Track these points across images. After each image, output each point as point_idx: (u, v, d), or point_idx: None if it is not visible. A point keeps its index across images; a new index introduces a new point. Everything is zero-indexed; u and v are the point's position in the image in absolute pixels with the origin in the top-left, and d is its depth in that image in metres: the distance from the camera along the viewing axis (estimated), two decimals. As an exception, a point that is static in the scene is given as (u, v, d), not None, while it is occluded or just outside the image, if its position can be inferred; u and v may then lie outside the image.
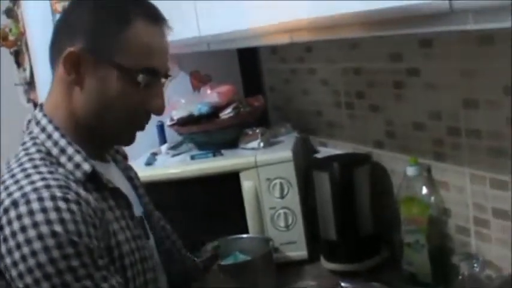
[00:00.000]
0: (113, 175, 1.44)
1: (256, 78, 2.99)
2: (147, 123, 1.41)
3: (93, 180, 1.31)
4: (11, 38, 3.28)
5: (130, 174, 1.57)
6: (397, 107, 2.07)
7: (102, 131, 1.37)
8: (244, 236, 2.25)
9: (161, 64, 1.37)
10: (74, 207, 1.19)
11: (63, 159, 1.30)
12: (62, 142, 1.32)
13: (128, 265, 1.30)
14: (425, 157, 1.95)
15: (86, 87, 1.32)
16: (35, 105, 3.24)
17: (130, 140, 1.42)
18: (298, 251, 2.26)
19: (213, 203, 2.29)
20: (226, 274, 2.06)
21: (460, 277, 1.76)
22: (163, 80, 1.39)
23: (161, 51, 1.38)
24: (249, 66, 2.98)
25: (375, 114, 2.19)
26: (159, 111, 1.39)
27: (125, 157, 1.59)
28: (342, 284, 1.68)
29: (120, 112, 1.34)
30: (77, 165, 1.30)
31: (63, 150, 1.31)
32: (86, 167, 1.30)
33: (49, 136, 1.32)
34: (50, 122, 1.34)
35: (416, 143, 2.01)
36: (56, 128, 1.33)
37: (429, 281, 1.90)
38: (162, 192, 2.28)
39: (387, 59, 2.05)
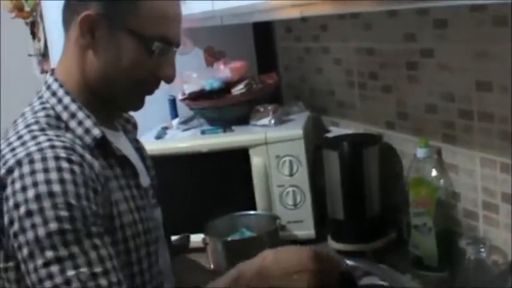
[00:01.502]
0: (122, 144, 1.43)
1: (271, 56, 2.97)
2: (156, 89, 1.40)
3: (101, 147, 1.31)
4: (26, 8, 3.27)
5: (139, 146, 1.56)
6: (409, 88, 2.06)
7: (113, 96, 1.37)
8: (252, 212, 2.25)
9: (175, 33, 1.37)
10: (76, 168, 1.19)
11: (73, 123, 1.30)
12: (73, 107, 1.32)
13: (130, 236, 1.29)
14: (436, 139, 1.94)
15: (100, 51, 1.32)
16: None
17: (139, 106, 1.42)
18: (306, 230, 2.25)
19: (222, 178, 2.29)
20: (232, 250, 2.06)
21: (466, 261, 1.75)
22: (175, 48, 1.38)
23: (176, 20, 1.38)
24: (264, 44, 2.96)
25: (387, 95, 2.17)
26: (170, 79, 1.39)
27: (135, 126, 1.58)
28: (348, 262, 1.67)
29: (132, 78, 1.34)
30: (87, 130, 1.30)
31: (73, 115, 1.31)
32: (96, 132, 1.30)
33: (59, 100, 1.32)
34: (61, 86, 1.34)
35: (428, 125, 1.99)
36: (67, 93, 1.33)
37: (435, 264, 1.89)
38: (171, 166, 2.29)
39: (401, 39, 2.03)
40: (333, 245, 2.16)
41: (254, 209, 2.26)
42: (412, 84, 2.03)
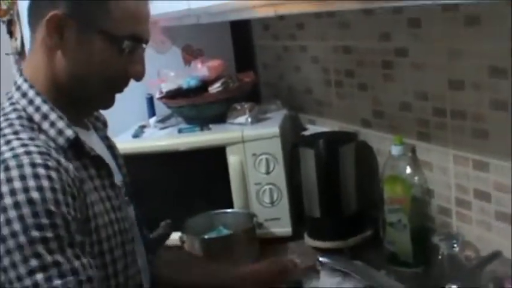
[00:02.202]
0: (94, 143, 1.43)
1: (249, 54, 2.99)
2: (126, 86, 1.40)
3: (74, 148, 1.30)
4: (3, 7, 3.27)
5: (110, 143, 1.56)
6: (385, 87, 2.08)
7: (83, 95, 1.35)
8: (229, 210, 2.26)
9: (144, 30, 1.37)
10: (53, 174, 1.17)
11: (45, 125, 1.28)
12: (45, 108, 1.30)
13: (105, 238, 1.28)
14: (410, 137, 1.96)
15: (68, 51, 1.31)
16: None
17: (109, 104, 1.41)
18: (283, 228, 2.26)
19: (199, 177, 2.29)
20: (209, 247, 2.07)
21: (439, 257, 1.78)
22: (144, 46, 1.39)
23: (145, 18, 1.37)
24: (242, 42, 2.97)
25: (363, 93, 2.19)
26: (140, 76, 1.38)
27: (105, 124, 1.57)
28: (320, 259, 1.68)
29: (102, 77, 1.33)
30: (60, 132, 1.28)
31: (45, 116, 1.29)
32: (69, 133, 1.29)
33: (30, 102, 1.30)
34: (32, 87, 1.32)
35: (403, 123, 2.01)
36: (38, 94, 1.31)
37: (410, 260, 1.91)
38: (149, 164, 2.30)
39: (377, 38, 2.05)
40: (309, 242, 2.17)
41: (231, 207, 2.27)
42: (387, 83, 2.05)
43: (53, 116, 1.30)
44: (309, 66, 2.53)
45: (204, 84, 2.46)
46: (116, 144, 1.62)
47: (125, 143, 2.32)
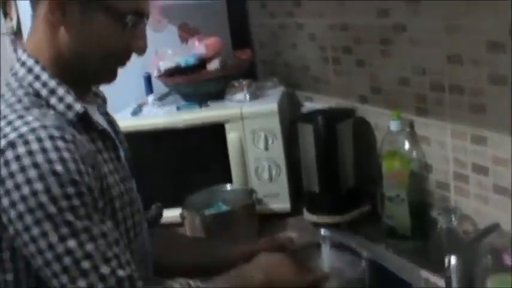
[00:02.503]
0: (98, 117, 1.44)
1: (245, 32, 2.99)
2: (128, 61, 1.41)
3: (82, 122, 1.31)
4: (-3, -14, 3.25)
5: (110, 119, 1.57)
6: (382, 63, 2.09)
7: (86, 70, 1.36)
8: (228, 186, 2.28)
9: (146, 5, 1.38)
10: (72, 146, 1.19)
11: (53, 100, 1.29)
12: (52, 83, 1.31)
13: (118, 208, 1.31)
14: (408, 112, 1.97)
15: (71, 28, 1.31)
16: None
17: (112, 78, 1.41)
18: (281, 203, 2.29)
19: (198, 154, 2.31)
20: (209, 223, 2.09)
21: (437, 230, 1.80)
22: (146, 21, 1.39)
23: None
24: (238, 20, 2.98)
25: (361, 70, 2.21)
26: (142, 50, 1.39)
27: (104, 100, 1.58)
28: (322, 233, 1.71)
29: (105, 52, 1.34)
30: (69, 106, 1.29)
31: (53, 91, 1.30)
32: (78, 107, 1.30)
33: (37, 77, 1.31)
34: (37, 62, 1.32)
35: (400, 98, 2.02)
36: (44, 69, 1.32)
37: (408, 234, 1.93)
38: (148, 142, 2.31)
39: (374, 14, 2.06)
40: (308, 217, 2.20)
41: (230, 183, 2.29)
42: (385, 59, 2.07)
43: (60, 91, 1.31)
44: (305, 43, 2.54)
45: (202, 62, 2.47)
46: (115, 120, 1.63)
47: (124, 121, 2.32)
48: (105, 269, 1.17)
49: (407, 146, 1.94)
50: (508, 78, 1.59)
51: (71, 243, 1.16)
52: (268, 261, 1.48)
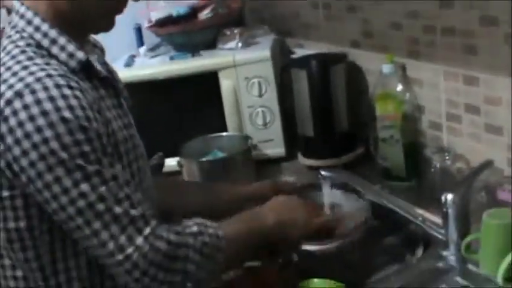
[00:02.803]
0: (98, 66, 1.44)
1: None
2: (124, 6, 1.40)
3: (85, 70, 1.32)
4: None
5: (109, 68, 1.57)
6: (374, 7, 2.11)
7: (84, 19, 1.36)
8: (223, 134, 2.31)
9: None
10: (78, 93, 1.21)
11: (55, 49, 1.30)
12: (52, 33, 1.31)
13: (123, 152, 1.33)
14: (400, 55, 2.00)
15: None
16: (9, 11, 3.20)
17: (110, 26, 1.40)
18: (276, 148, 2.33)
19: (192, 102, 2.33)
20: (207, 170, 2.13)
21: (432, 170, 1.85)
22: None
23: None
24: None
25: (352, 15, 2.22)
26: None
27: (102, 50, 1.59)
28: (322, 173, 1.75)
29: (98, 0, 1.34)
30: (71, 55, 1.30)
31: (54, 41, 1.30)
32: (80, 55, 1.31)
33: (37, 28, 1.31)
34: (36, 14, 1.32)
35: (392, 42, 2.05)
36: (44, 20, 1.32)
37: (403, 174, 1.98)
38: (143, 92, 2.31)
39: (365, -42, 2.08)
40: (303, 161, 2.24)
41: (225, 130, 2.32)
42: (376, 3, 2.09)
43: (62, 40, 1.31)
44: (295, -11, 2.55)
45: (194, 11, 2.49)
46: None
47: (119, 72, 2.33)
48: (118, 210, 1.21)
49: (399, 88, 1.98)
50: (498, 19, 1.62)
51: (84, 186, 1.19)
52: (281, 203, 1.54)
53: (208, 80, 2.30)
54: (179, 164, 2.18)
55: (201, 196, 1.75)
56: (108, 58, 2.46)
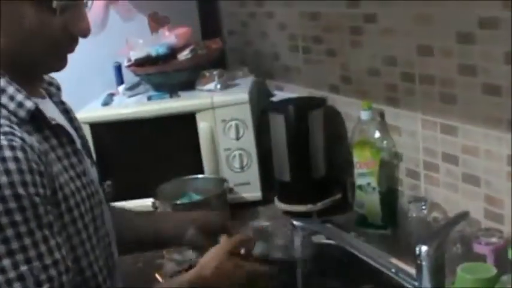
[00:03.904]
0: (51, 110, 1.39)
1: (215, 21, 2.99)
2: (75, 45, 1.36)
3: (35, 120, 1.27)
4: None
5: (65, 107, 1.54)
6: (353, 53, 2.10)
7: (32, 63, 1.32)
8: (199, 176, 2.28)
9: None
10: (19, 154, 1.15)
11: (4, 99, 1.25)
12: (1, 82, 1.26)
13: (74, 205, 1.28)
14: (379, 102, 1.99)
15: (4, 26, 1.26)
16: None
17: (61, 65, 1.36)
18: (253, 192, 2.30)
19: (169, 143, 2.31)
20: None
21: (408, 219, 1.82)
22: (83, 0, 1.34)
23: None
24: (208, 9, 2.97)
25: (331, 59, 2.22)
26: (84, 33, 1.34)
27: (58, 88, 1.54)
28: (294, 223, 1.71)
29: (44, 42, 1.29)
30: (20, 104, 1.25)
31: (2, 91, 1.25)
32: (29, 104, 1.26)
33: None
34: None
35: (371, 88, 2.04)
36: None
37: (379, 222, 1.96)
38: (118, 132, 2.30)
39: (345, 4, 2.07)
40: (279, 206, 2.21)
41: (202, 172, 2.29)
42: (355, 49, 2.08)
43: (10, 90, 1.26)
44: (276, 32, 2.54)
45: (172, 52, 2.47)
46: (71, 107, 1.57)
47: (95, 111, 2.34)
48: None
49: (377, 135, 1.96)
50: (476, 69, 1.62)
51: (6, 262, 1.12)
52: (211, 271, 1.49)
53: (186, 121, 2.27)
54: (154, 205, 2.15)
55: (148, 222, 1.72)
56: (87, 95, 2.46)
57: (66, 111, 1.51)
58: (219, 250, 1.54)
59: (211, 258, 1.51)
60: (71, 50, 1.36)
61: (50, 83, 1.50)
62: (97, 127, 2.26)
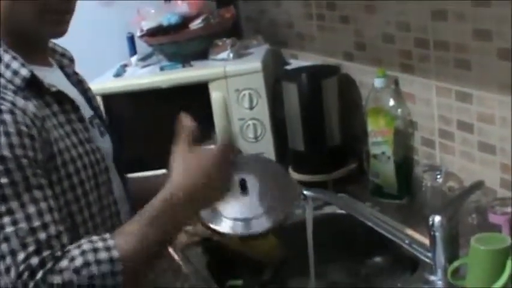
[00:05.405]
0: (57, 79, 1.40)
1: (229, -11, 2.95)
2: (69, 7, 1.35)
3: (34, 86, 1.28)
4: None
5: (79, 78, 1.53)
6: (367, 19, 2.06)
7: (29, 30, 1.32)
8: (213, 147, 2.25)
9: None
10: (7, 117, 1.16)
11: (0, 68, 1.26)
12: None
13: (73, 171, 1.27)
14: (393, 69, 1.95)
15: None
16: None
17: (60, 30, 1.36)
18: (267, 162, 2.27)
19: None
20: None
21: (423, 188, 1.79)
22: None
23: None
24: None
25: (345, 26, 2.18)
26: None
27: (71, 60, 1.54)
28: (305, 192, 1.68)
29: (35, 6, 1.29)
30: (15, 72, 1.26)
31: None
32: (24, 72, 1.26)
33: None
34: None
35: (385, 55, 2.00)
36: None
37: (394, 192, 1.93)
38: (132, 103, 2.29)
39: (358, -31, 2.03)
40: (294, 176, 2.18)
41: (215, 143, 2.27)
42: (369, 15, 2.04)
43: (6, 58, 1.27)
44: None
45: (185, 21, 2.43)
46: (84, 78, 1.58)
47: (107, 83, 2.32)
48: (20, 255, 1.13)
49: (392, 103, 1.93)
50: (491, 33, 1.57)
51: None
52: (184, 168, 1.49)
53: (198, 92, 2.25)
54: (166, 177, 2.13)
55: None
56: (101, 66, 2.45)
57: (80, 82, 1.51)
58: (177, 154, 1.52)
59: (174, 167, 1.48)
60: (66, 12, 1.34)
61: (63, 54, 1.51)
62: (109, 98, 2.24)
